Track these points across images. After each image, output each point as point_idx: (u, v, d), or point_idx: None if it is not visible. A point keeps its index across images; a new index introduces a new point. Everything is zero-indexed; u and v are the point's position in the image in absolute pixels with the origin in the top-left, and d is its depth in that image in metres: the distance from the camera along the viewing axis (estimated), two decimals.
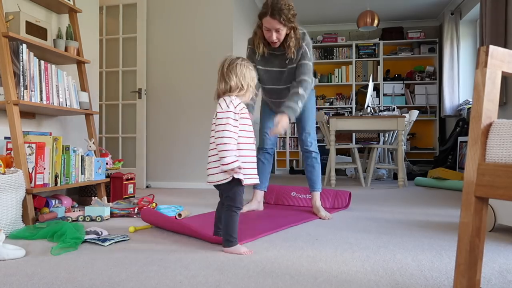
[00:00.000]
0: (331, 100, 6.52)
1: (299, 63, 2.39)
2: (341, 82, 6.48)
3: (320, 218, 2.44)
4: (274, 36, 2.31)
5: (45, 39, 2.51)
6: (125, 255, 1.58)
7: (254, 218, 2.39)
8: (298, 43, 2.36)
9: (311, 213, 2.55)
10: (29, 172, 2.20)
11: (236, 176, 1.63)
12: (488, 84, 0.90)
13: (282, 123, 2.14)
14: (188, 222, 2.17)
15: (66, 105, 2.62)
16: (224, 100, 1.65)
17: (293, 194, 2.96)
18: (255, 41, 2.44)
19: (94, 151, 2.83)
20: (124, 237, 1.83)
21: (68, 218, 2.26)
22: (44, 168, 2.29)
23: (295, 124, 2.79)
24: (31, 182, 2.21)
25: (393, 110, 5.05)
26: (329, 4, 5.74)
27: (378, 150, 4.97)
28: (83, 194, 2.95)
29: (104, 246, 1.71)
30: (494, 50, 0.90)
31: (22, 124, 2.27)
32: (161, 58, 4.33)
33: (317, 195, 2.62)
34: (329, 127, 4.32)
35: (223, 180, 1.65)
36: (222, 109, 1.63)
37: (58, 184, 2.41)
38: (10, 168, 2.12)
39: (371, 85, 4.93)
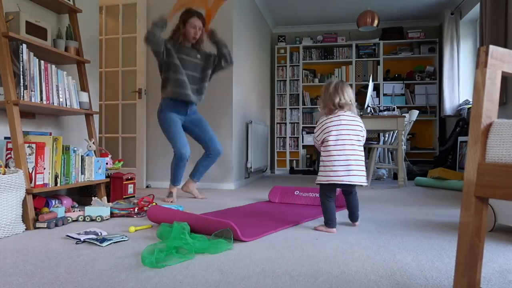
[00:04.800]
0: None
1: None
2: None
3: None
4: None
5: (45, 39, 2.51)
6: (125, 255, 1.58)
7: (255, 218, 2.39)
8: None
9: (313, 212, 2.55)
10: (29, 172, 2.20)
11: None
12: (488, 84, 0.90)
13: None
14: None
15: (66, 105, 2.62)
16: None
17: (297, 193, 3.06)
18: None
19: (94, 151, 2.83)
20: (122, 238, 1.83)
21: (68, 218, 2.26)
22: (44, 168, 2.29)
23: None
24: (31, 182, 2.21)
25: (393, 110, 5.05)
26: (329, 4, 5.74)
27: (378, 150, 4.97)
28: (83, 194, 2.95)
29: (102, 246, 1.71)
30: (494, 50, 0.90)
31: (22, 124, 2.27)
32: None
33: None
34: None
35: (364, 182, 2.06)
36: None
37: (58, 184, 2.41)
38: None
39: (371, 85, 4.92)
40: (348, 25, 6.53)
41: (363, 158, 2.06)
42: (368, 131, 5.65)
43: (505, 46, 3.86)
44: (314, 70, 6.69)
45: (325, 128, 2.10)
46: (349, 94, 2.12)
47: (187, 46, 3.24)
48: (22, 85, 2.26)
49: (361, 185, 2.05)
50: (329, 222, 2.06)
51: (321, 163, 2.11)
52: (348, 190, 2.15)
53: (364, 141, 2.12)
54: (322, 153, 2.10)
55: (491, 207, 2.00)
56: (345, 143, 2.03)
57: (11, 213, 1.94)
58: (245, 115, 4.75)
